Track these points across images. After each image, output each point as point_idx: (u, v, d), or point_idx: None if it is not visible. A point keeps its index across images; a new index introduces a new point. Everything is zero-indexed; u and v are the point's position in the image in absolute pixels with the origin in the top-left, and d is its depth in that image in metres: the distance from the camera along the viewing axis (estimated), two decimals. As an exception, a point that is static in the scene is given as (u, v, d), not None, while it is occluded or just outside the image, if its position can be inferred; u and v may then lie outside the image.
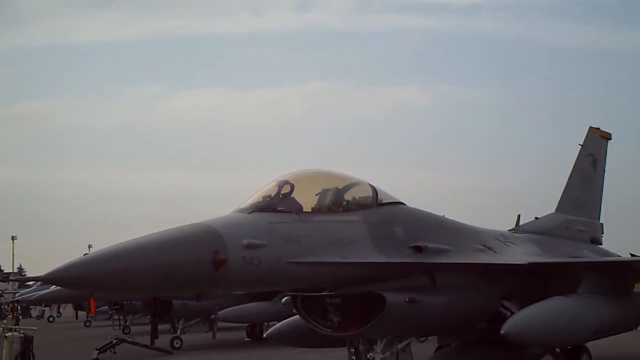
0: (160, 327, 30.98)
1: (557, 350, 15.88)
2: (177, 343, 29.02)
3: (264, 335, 17.48)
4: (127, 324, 40.29)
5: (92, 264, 10.27)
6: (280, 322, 16.19)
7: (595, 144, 22.91)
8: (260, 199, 12.16)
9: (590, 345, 15.93)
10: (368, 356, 13.24)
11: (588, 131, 22.73)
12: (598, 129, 23.08)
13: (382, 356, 13.07)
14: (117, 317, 41.08)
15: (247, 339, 31.79)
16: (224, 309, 26.90)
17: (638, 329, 19.02)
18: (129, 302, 37.74)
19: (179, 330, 30.06)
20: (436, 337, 15.84)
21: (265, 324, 28.67)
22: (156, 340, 26.96)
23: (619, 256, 20.44)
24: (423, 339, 15.08)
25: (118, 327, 38.80)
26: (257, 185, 12.67)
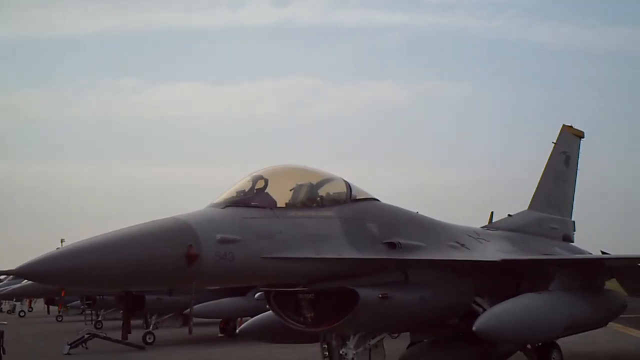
0: (133, 322, 30.86)
1: (529, 346, 16.00)
2: (149, 338, 28.89)
3: (237, 330, 17.43)
4: (100, 319, 40.05)
5: (64, 258, 10.17)
6: (253, 318, 16.17)
7: (569, 142, 23.09)
8: (234, 194, 12.13)
9: (561, 341, 16.06)
10: (341, 352, 13.25)
11: (561, 129, 22.91)
12: (571, 127, 23.27)
13: (354, 352, 13.10)
14: (90, 312, 40.79)
15: (220, 335, 31.72)
16: (197, 304, 26.82)
17: (608, 325, 19.26)
18: (101, 296, 37.53)
19: (151, 326, 29.95)
20: (409, 333, 15.88)
21: (239, 319, 28.65)
22: (129, 335, 26.81)
23: (590, 253, 20.64)
24: (396, 334, 15.14)
25: (90, 322, 38.54)
26: (232, 181, 12.64)
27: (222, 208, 11.67)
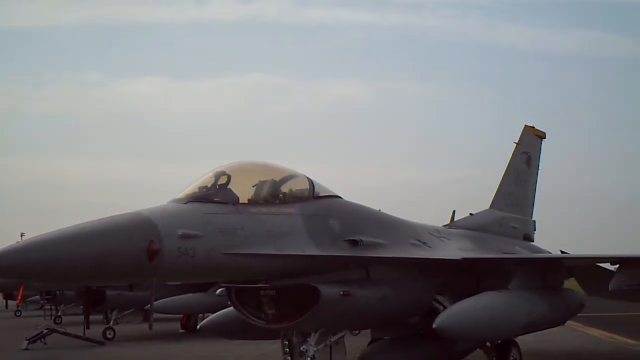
0: (94, 317, 30.63)
1: (488, 344, 16.13)
2: (109, 334, 28.73)
3: (198, 326, 17.39)
4: (59, 314, 39.70)
5: (23, 252, 10.04)
6: (215, 314, 16.14)
7: (530, 143, 23.33)
8: (197, 190, 12.07)
9: (519, 339, 16.22)
10: (302, 348, 13.25)
11: (523, 129, 23.12)
12: (533, 127, 23.50)
13: (315, 348, 13.11)
14: (49, 306, 40.46)
15: (181, 331, 31.67)
16: (158, 299, 26.69)
17: (566, 324, 19.51)
18: (61, 291, 37.23)
19: (112, 321, 29.76)
20: (369, 330, 15.95)
21: (200, 315, 28.57)
22: (88, 330, 26.60)
23: (550, 253, 20.87)
24: (356, 332, 15.17)
25: (49, 317, 38.21)
26: (195, 176, 12.59)
27: (184, 203, 11.61)
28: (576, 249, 19.21)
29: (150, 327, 12.92)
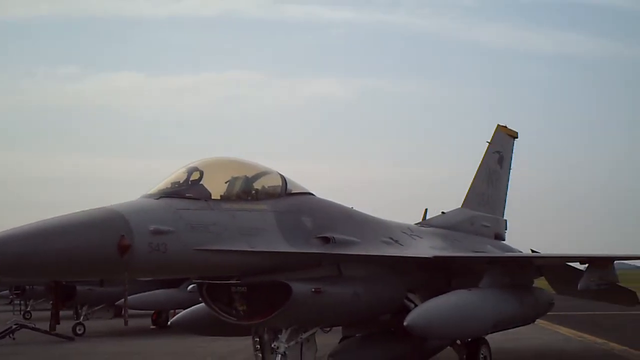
0: (64, 313, 30.43)
1: (458, 342, 16.23)
2: (79, 329, 28.57)
3: (169, 322, 17.33)
4: (29, 309, 39.40)
5: None
6: (185, 310, 16.10)
7: (503, 142, 23.48)
8: (169, 185, 12.00)
9: (489, 337, 16.32)
10: (273, 345, 13.27)
11: (496, 129, 23.28)
12: (505, 127, 23.65)
13: (286, 345, 13.12)
14: (18, 302, 40.11)
15: (152, 327, 31.53)
16: (129, 295, 26.56)
17: (536, 322, 19.68)
18: (30, 286, 36.93)
19: (82, 317, 29.58)
20: (341, 328, 15.97)
21: (171, 311, 28.49)
22: (58, 326, 26.45)
23: (521, 252, 21.03)
24: (328, 329, 15.17)
25: (19, 313, 37.91)
26: (168, 171, 12.54)
27: (156, 199, 11.55)
28: (546, 249, 19.40)
29: (126, 322, 12.85)
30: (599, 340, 22.70)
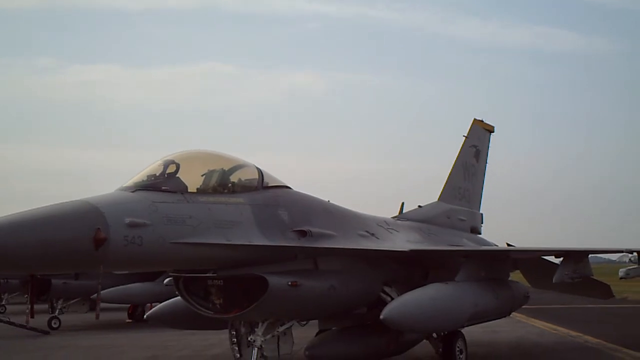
0: (39, 306, 30.18)
1: (434, 335, 16.30)
2: (55, 323, 28.36)
3: (145, 316, 17.26)
4: (3, 302, 39.02)
5: None
6: (162, 303, 16.06)
7: (479, 136, 23.56)
8: (145, 178, 11.95)
9: (465, 330, 16.41)
10: (249, 338, 13.28)
11: (472, 123, 23.34)
12: (482, 121, 23.73)
13: (263, 339, 13.14)
14: (-8, 295, 39.68)
15: (128, 320, 31.39)
16: (105, 289, 26.43)
17: (511, 315, 19.80)
18: (5, 280, 36.55)
19: (57, 310, 29.36)
20: (317, 321, 15.98)
21: (148, 305, 28.37)
22: (32, 320, 26.21)
23: (497, 245, 21.15)
24: (304, 322, 15.17)
25: (-7, 306, 37.51)
26: (144, 164, 12.47)
27: (132, 192, 11.49)
28: (522, 242, 19.52)
29: (97, 316, 12.80)
30: (573, 333, 22.87)
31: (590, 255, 17.27)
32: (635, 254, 18.50)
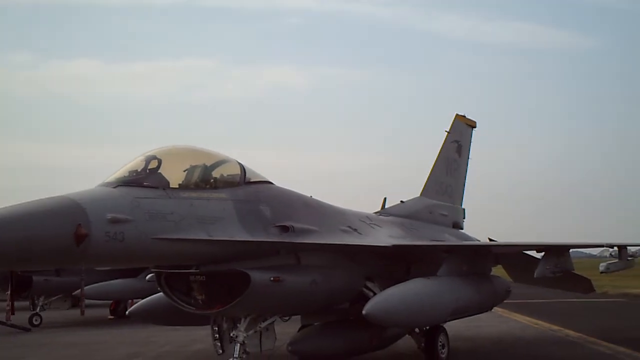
0: (21, 303, 30.03)
1: (416, 330, 16.35)
2: (36, 320, 28.24)
3: (127, 312, 17.22)
4: (-17, 299, 38.81)
5: None
6: (144, 300, 16.02)
7: (461, 131, 23.63)
8: (127, 174, 11.90)
9: (447, 325, 16.47)
10: (231, 334, 13.29)
11: (454, 118, 23.39)
12: (464, 116, 23.79)
13: (245, 334, 13.14)
14: (-28, 292, 39.44)
15: (110, 317, 31.29)
16: (87, 285, 26.32)
17: (493, 310, 19.89)
18: (-15, 277, 36.32)
19: (38, 307, 29.23)
20: (299, 316, 15.99)
21: (130, 301, 28.28)
22: (13, 316, 26.06)
23: (479, 240, 21.22)
24: (287, 318, 15.19)
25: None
26: (126, 160, 12.42)
27: (114, 187, 11.44)
28: (504, 237, 19.60)
29: (82, 312, 12.72)
30: (555, 327, 23.00)
31: (571, 250, 17.37)
32: (615, 248, 18.63)
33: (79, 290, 23.64)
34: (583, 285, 19.94)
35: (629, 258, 18.87)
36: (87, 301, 29.57)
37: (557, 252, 16.75)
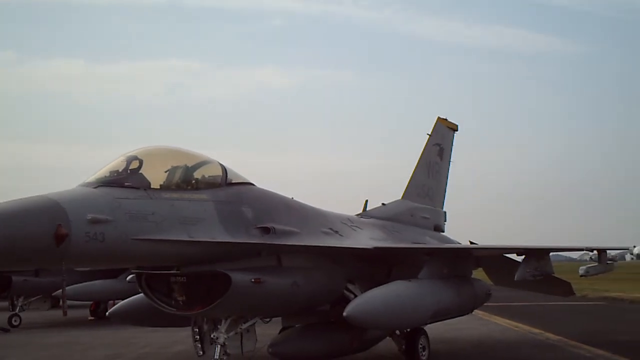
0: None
1: (397, 332, 16.37)
2: (15, 321, 28.07)
3: (107, 313, 17.14)
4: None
5: None
6: (124, 301, 15.96)
7: (443, 135, 23.71)
8: (107, 174, 11.86)
9: (428, 328, 16.50)
10: (212, 336, 13.25)
11: (436, 121, 23.47)
12: (446, 120, 23.87)
13: (226, 336, 13.11)
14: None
15: (90, 317, 31.14)
16: (67, 286, 26.17)
17: (474, 312, 19.94)
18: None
19: (18, 308, 29.06)
20: (280, 318, 15.98)
21: (110, 302, 28.18)
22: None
23: (459, 243, 21.28)
24: (267, 319, 15.18)
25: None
26: (107, 160, 12.37)
27: (94, 187, 11.40)
28: (484, 240, 19.66)
29: (65, 313, 12.62)
30: (535, 330, 23.09)
31: (551, 254, 17.47)
32: (595, 252, 18.74)
33: (59, 290, 23.47)
34: (563, 288, 20.03)
35: (609, 262, 19.02)
36: (67, 302, 29.44)
37: (537, 255, 16.84)
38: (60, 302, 11.95)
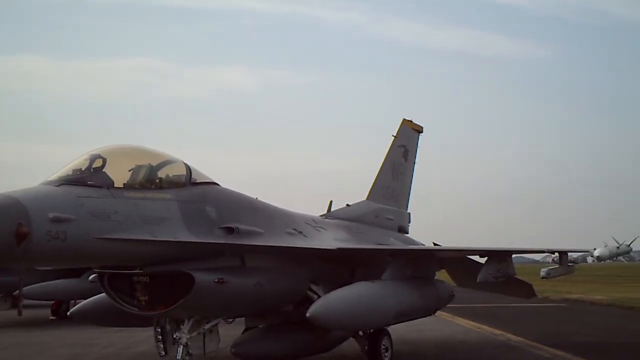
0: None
1: (360, 333, 16.41)
2: (-26, 321, 27.72)
3: (68, 313, 16.98)
4: None
5: None
6: (86, 300, 15.83)
7: (408, 136, 23.78)
8: (70, 172, 11.74)
9: (391, 329, 16.56)
10: (175, 336, 13.20)
11: (401, 123, 23.53)
12: (411, 121, 23.94)
13: (188, 336, 13.07)
14: None
15: (51, 317, 30.82)
16: (28, 285, 25.90)
17: (437, 314, 20.06)
18: None
19: (-23, 307, 28.70)
20: (244, 318, 15.96)
21: (72, 301, 27.90)
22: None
23: (423, 245, 21.39)
24: (230, 320, 15.16)
25: None
26: (70, 158, 12.26)
27: (57, 186, 11.29)
28: (448, 242, 19.80)
29: (20, 313, 12.50)
30: (497, 332, 23.29)
31: (514, 255, 17.62)
32: (557, 254, 18.93)
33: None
34: (525, 290, 20.20)
35: (570, 264, 19.22)
36: (27, 301, 29.14)
37: (499, 257, 16.98)
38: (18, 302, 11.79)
